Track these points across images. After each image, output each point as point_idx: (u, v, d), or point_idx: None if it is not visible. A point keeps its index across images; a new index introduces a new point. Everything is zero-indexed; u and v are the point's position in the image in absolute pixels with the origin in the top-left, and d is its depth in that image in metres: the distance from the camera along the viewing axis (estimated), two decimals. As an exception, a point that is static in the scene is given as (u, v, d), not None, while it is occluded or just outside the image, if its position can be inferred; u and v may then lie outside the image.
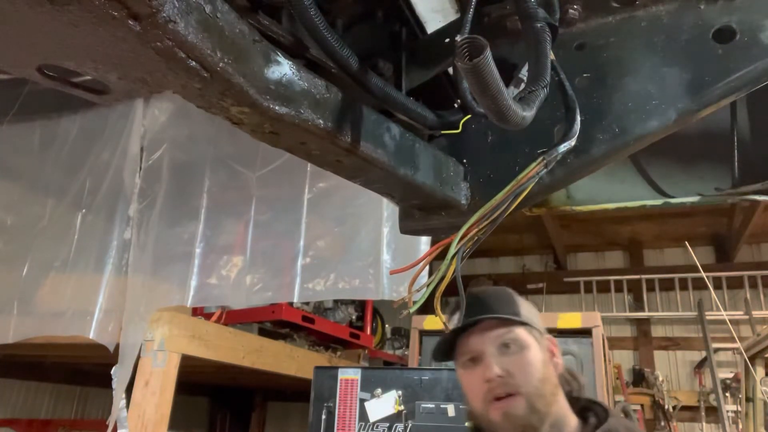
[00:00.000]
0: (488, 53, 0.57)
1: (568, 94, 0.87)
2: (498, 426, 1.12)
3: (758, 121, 1.47)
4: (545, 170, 0.79)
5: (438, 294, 0.82)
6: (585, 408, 1.21)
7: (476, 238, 0.80)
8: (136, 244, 2.30)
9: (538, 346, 1.18)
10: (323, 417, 2.45)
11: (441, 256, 0.80)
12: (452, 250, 0.77)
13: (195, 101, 0.64)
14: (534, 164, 0.79)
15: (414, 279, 0.84)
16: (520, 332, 1.17)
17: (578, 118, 0.84)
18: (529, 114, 0.69)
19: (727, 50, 0.90)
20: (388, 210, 2.12)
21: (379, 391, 2.44)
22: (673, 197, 1.58)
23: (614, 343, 5.98)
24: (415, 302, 0.82)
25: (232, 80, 0.61)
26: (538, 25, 0.81)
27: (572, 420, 1.17)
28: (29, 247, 2.51)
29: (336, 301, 3.94)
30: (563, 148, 0.81)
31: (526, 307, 1.24)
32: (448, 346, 1.23)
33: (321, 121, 0.73)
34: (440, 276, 0.78)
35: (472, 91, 0.64)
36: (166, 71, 0.58)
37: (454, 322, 1.21)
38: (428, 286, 0.79)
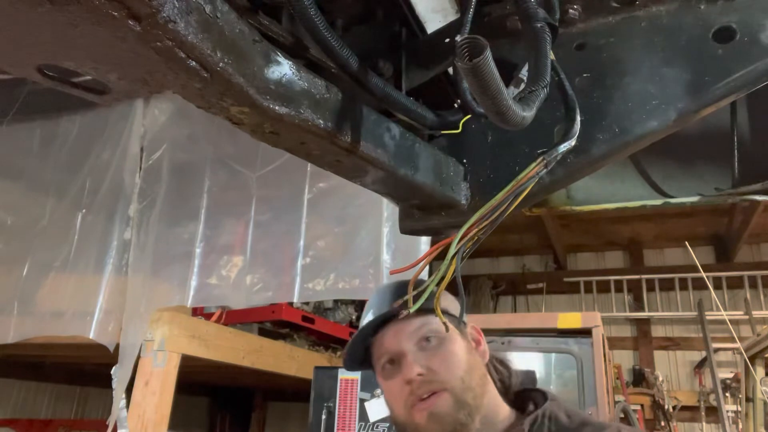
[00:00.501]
0: (488, 53, 0.57)
1: (568, 94, 0.87)
2: (424, 430, 1.02)
3: (758, 121, 1.47)
4: (545, 170, 0.79)
5: (438, 294, 0.82)
6: (520, 396, 1.13)
7: (476, 238, 0.80)
8: (136, 244, 2.30)
9: (460, 334, 1.10)
10: (323, 417, 2.45)
11: (441, 256, 0.80)
12: (452, 250, 0.77)
13: (195, 101, 0.64)
14: (534, 164, 0.79)
15: (414, 279, 0.84)
16: (439, 324, 1.04)
17: (578, 118, 0.84)
18: (529, 114, 0.69)
19: (727, 50, 0.90)
20: (388, 210, 2.12)
21: (379, 391, 2.44)
22: (673, 197, 1.57)
23: (614, 343, 5.98)
24: (415, 302, 0.82)
25: (232, 80, 0.61)
26: (538, 25, 0.81)
27: (504, 410, 1.09)
28: (29, 247, 2.51)
29: (336, 301, 3.94)
30: (563, 148, 0.81)
31: (443, 295, 1.10)
32: (360, 351, 1.13)
33: (321, 121, 0.73)
34: (440, 276, 0.78)
35: (472, 91, 0.64)
36: (166, 71, 0.58)
37: (365, 322, 1.12)
38: (428, 286, 0.79)
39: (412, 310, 0.83)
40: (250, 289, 2.23)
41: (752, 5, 0.91)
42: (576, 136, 0.83)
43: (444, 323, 0.94)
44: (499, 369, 1.17)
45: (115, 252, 2.30)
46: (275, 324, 3.48)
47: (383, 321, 1.09)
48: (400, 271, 0.89)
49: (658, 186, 1.59)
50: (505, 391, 1.14)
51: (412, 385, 1.02)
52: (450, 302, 1.14)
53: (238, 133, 0.73)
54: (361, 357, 1.14)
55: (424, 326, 1.07)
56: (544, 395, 1.11)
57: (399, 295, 1.00)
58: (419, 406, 1.02)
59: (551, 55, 0.82)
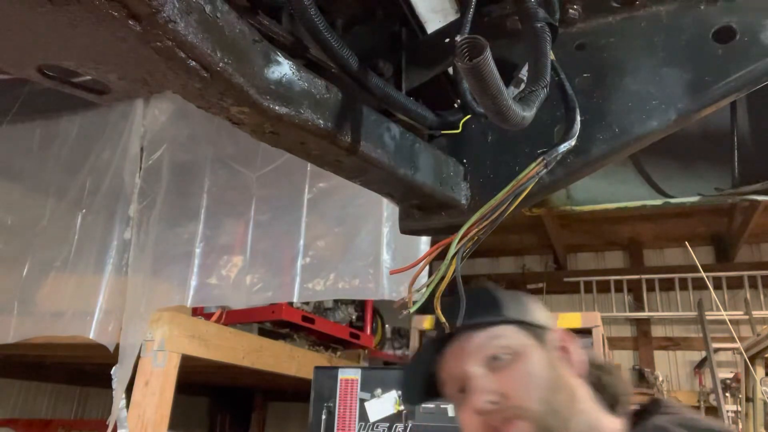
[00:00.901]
0: (488, 53, 0.57)
1: (568, 94, 0.87)
2: None
3: (758, 121, 1.47)
4: (545, 170, 0.80)
5: (438, 294, 0.82)
6: (626, 403, 0.94)
7: (476, 238, 0.80)
8: (136, 244, 2.30)
9: (539, 346, 0.92)
10: (323, 417, 2.45)
11: (441, 256, 0.80)
12: (452, 250, 0.77)
13: (195, 101, 0.64)
14: (534, 164, 0.79)
15: (414, 279, 0.83)
16: (510, 335, 0.91)
17: (578, 118, 0.84)
18: (529, 114, 0.69)
19: (727, 50, 0.90)
20: (388, 210, 2.12)
21: (379, 391, 2.44)
22: (673, 197, 1.58)
23: (614, 343, 5.98)
24: (415, 302, 0.82)
25: (232, 80, 0.61)
26: (538, 25, 0.81)
27: (608, 424, 0.90)
28: (29, 247, 2.51)
29: (336, 301, 3.94)
30: (563, 148, 0.81)
31: (514, 302, 0.98)
32: (424, 382, 0.96)
33: (321, 121, 0.73)
34: (440, 276, 0.78)
35: (472, 91, 0.64)
36: (166, 71, 0.58)
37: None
38: (428, 286, 0.79)
39: (412, 311, 0.82)
40: (250, 289, 2.23)
41: (752, 5, 0.91)
42: (576, 136, 0.83)
43: (444, 323, 0.87)
44: (601, 377, 0.97)
45: (115, 252, 2.30)
46: (275, 324, 3.48)
47: (443, 340, 0.94)
48: (400, 271, 0.89)
49: (658, 186, 1.59)
50: (612, 401, 0.94)
51: (483, 416, 0.87)
52: (527, 309, 0.97)
53: (238, 133, 0.73)
54: (425, 387, 0.97)
55: (491, 341, 0.91)
56: (658, 404, 0.93)
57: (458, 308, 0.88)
58: None
59: (551, 55, 0.82)
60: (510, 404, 0.86)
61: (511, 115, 0.65)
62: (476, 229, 0.79)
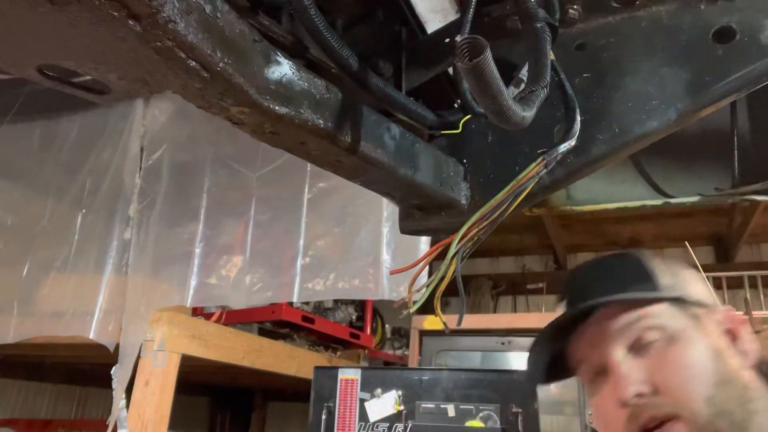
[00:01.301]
0: (488, 53, 0.57)
1: (568, 94, 0.87)
2: None
3: (758, 121, 1.47)
4: (545, 170, 0.79)
5: (438, 294, 0.81)
6: None
7: (476, 238, 0.80)
8: (136, 244, 2.30)
9: (701, 330, 0.76)
10: (323, 417, 2.45)
11: (441, 256, 0.80)
12: (452, 250, 0.77)
13: (195, 101, 0.64)
14: (534, 164, 0.79)
15: (414, 279, 0.83)
16: (664, 314, 0.75)
17: (578, 118, 0.84)
18: (529, 114, 0.69)
19: (727, 50, 0.90)
20: (388, 210, 2.12)
21: (379, 391, 2.44)
22: (673, 197, 1.58)
23: (614, 343, 5.98)
24: (415, 302, 0.82)
25: (232, 80, 0.61)
26: (538, 25, 0.81)
27: None
28: (29, 247, 2.51)
29: (336, 301, 3.94)
30: (563, 148, 0.81)
31: (669, 273, 0.80)
32: (549, 359, 0.84)
33: (321, 121, 0.73)
34: (440, 276, 0.78)
35: (472, 91, 0.64)
36: (166, 71, 0.58)
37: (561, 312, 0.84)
38: (428, 286, 0.79)
39: (412, 311, 0.81)
40: (249, 289, 2.23)
41: (752, 5, 0.91)
42: (576, 136, 0.83)
43: (445, 323, 0.87)
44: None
45: (115, 252, 2.30)
46: (275, 324, 3.48)
47: (578, 315, 0.80)
48: (400, 271, 0.89)
49: (658, 186, 1.59)
50: None
51: (629, 409, 0.73)
52: (686, 281, 0.82)
53: (238, 133, 0.73)
54: (550, 366, 0.86)
55: (640, 321, 0.76)
56: None
57: (592, 281, 0.79)
58: None
59: (551, 55, 0.82)
60: (664, 400, 0.72)
61: (511, 115, 0.65)
62: (476, 229, 0.79)
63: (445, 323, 0.92)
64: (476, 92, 0.62)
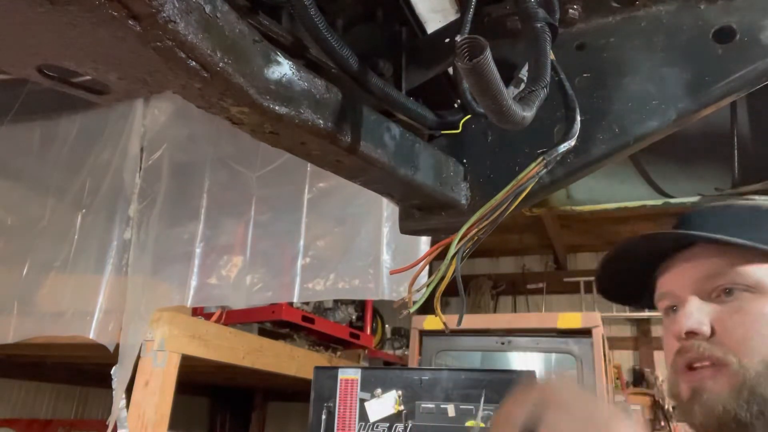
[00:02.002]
0: (488, 53, 0.57)
1: (568, 94, 0.87)
2: (685, 408, 0.74)
3: (758, 121, 1.47)
4: (545, 170, 0.80)
5: (438, 294, 0.81)
6: None
7: (476, 238, 0.80)
8: (136, 244, 2.30)
9: None
10: (323, 417, 2.45)
11: (441, 256, 0.80)
12: (452, 250, 0.77)
13: (195, 101, 0.64)
14: (534, 164, 0.79)
15: (414, 279, 0.83)
16: (758, 269, 0.72)
17: (578, 118, 0.84)
18: (529, 114, 0.69)
19: (727, 50, 0.90)
20: (388, 210, 2.12)
21: (379, 391, 2.44)
22: (673, 197, 1.58)
23: (614, 343, 5.97)
24: (415, 302, 0.82)
25: (232, 80, 0.61)
26: (538, 25, 0.81)
27: None
28: (29, 247, 2.51)
29: (336, 301, 3.94)
30: (563, 148, 0.81)
31: None
32: (634, 279, 0.84)
33: (321, 122, 0.73)
34: (440, 276, 0.78)
35: (472, 91, 0.64)
36: (166, 71, 0.58)
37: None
38: (428, 286, 0.79)
39: (412, 311, 0.81)
40: (250, 289, 2.23)
41: (752, 5, 0.91)
42: (576, 136, 0.83)
43: (445, 325, 0.88)
44: None
45: (115, 252, 2.29)
46: (275, 324, 3.48)
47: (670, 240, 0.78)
48: (400, 271, 0.89)
49: (658, 186, 1.59)
50: None
51: (681, 342, 0.75)
52: None
53: (238, 133, 0.73)
54: (634, 287, 0.86)
55: (732, 269, 0.73)
56: None
57: (707, 216, 0.76)
58: (685, 376, 0.74)
59: (551, 55, 0.82)
60: (718, 346, 0.72)
61: (511, 115, 0.65)
62: (476, 229, 0.79)
63: (444, 323, 0.93)
64: (476, 92, 0.62)
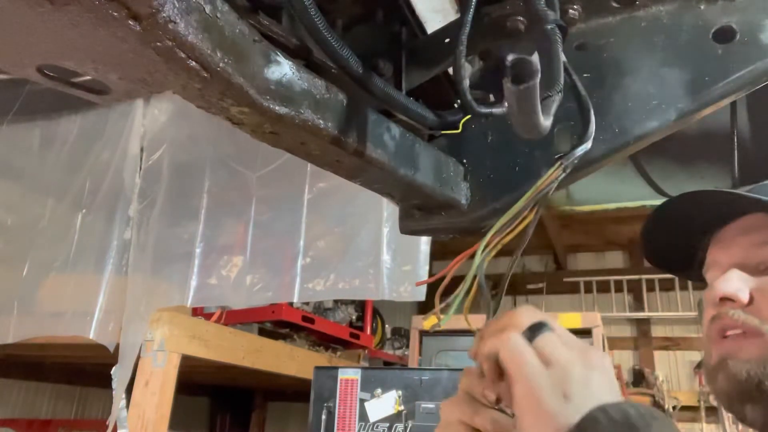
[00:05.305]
0: (538, 78, 0.56)
1: (582, 96, 0.86)
2: (710, 375, 0.72)
3: (758, 121, 1.47)
4: (563, 174, 0.78)
5: (467, 307, 0.80)
6: None
7: (498, 246, 0.79)
8: (136, 244, 2.30)
9: None
10: (323, 417, 2.45)
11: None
12: (476, 261, 0.76)
13: (195, 101, 0.64)
14: (553, 169, 0.78)
15: (440, 291, 0.80)
16: None
17: (593, 119, 0.83)
18: (549, 123, 0.69)
19: (727, 50, 0.90)
20: (388, 210, 2.11)
21: (379, 391, 2.44)
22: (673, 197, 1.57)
23: (614, 343, 5.98)
24: (443, 316, 0.80)
25: (232, 80, 0.61)
26: (549, 27, 0.80)
27: None
28: (29, 247, 2.51)
29: (336, 301, 3.94)
30: (580, 151, 0.80)
31: None
32: (684, 243, 0.81)
33: (321, 122, 0.73)
34: (465, 289, 0.77)
35: (509, 109, 0.62)
36: (167, 71, 0.58)
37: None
38: (455, 298, 0.77)
39: (442, 324, 0.76)
40: (250, 289, 2.23)
41: (752, 5, 0.91)
42: (592, 138, 0.82)
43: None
44: None
45: (115, 252, 2.29)
46: (275, 324, 3.48)
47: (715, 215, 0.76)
48: (424, 283, 0.88)
49: (658, 186, 1.59)
50: None
51: (717, 308, 0.73)
52: None
53: (238, 133, 0.73)
54: (687, 256, 0.82)
55: None
56: None
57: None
58: (717, 343, 0.72)
59: (563, 58, 0.81)
60: (754, 315, 0.70)
61: (539, 128, 0.64)
62: (498, 238, 0.78)
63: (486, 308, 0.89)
64: (514, 111, 0.61)
